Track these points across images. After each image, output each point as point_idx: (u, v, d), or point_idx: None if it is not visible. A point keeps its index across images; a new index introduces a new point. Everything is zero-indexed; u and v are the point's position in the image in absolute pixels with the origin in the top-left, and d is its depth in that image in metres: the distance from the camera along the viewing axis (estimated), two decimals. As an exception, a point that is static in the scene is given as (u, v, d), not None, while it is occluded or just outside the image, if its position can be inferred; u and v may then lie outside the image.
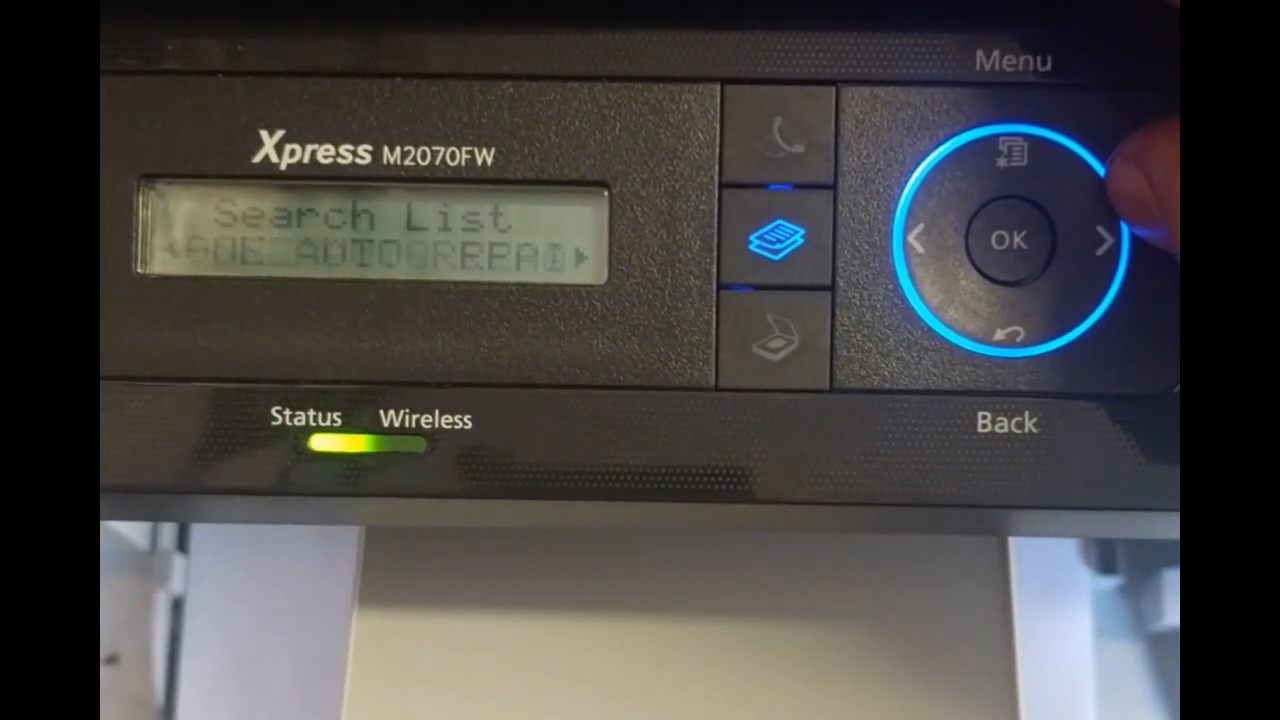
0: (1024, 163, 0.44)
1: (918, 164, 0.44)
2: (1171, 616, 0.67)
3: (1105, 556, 0.70)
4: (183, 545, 0.73)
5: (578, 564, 0.55)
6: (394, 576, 0.56)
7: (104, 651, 0.72)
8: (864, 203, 0.44)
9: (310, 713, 0.70)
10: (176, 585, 0.72)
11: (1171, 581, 0.67)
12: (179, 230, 0.45)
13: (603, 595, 0.55)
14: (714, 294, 0.44)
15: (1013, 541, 0.57)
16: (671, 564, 0.55)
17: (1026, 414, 0.44)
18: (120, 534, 0.70)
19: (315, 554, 0.71)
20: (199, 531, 0.73)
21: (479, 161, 0.44)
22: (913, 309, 0.44)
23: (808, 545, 0.56)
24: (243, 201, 0.45)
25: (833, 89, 0.44)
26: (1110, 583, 0.70)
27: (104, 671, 0.72)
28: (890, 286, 0.44)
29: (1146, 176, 0.42)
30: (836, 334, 0.44)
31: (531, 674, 0.55)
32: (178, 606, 0.72)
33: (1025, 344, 0.44)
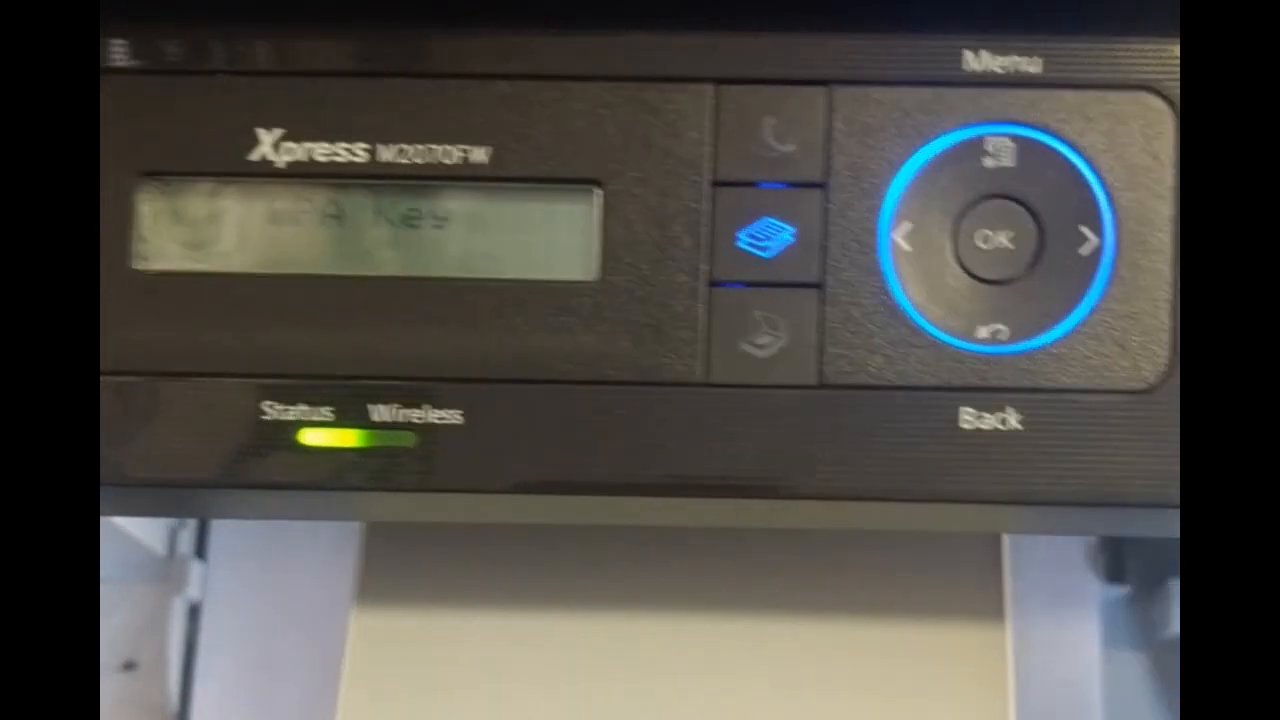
0: (1011, 163, 0.45)
1: (906, 163, 0.45)
2: (1179, 625, 0.66)
3: (1114, 566, 0.69)
4: (200, 552, 0.73)
5: (578, 562, 0.56)
6: (394, 576, 0.56)
7: (121, 658, 0.72)
8: (853, 201, 0.45)
9: None
10: (194, 592, 0.72)
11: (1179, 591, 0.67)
12: (176, 227, 0.45)
13: (602, 594, 0.55)
14: (704, 291, 0.45)
15: (1009, 549, 0.57)
16: (669, 564, 0.56)
17: (1009, 410, 0.44)
18: (138, 541, 0.70)
19: (331, 561, 0.71)
20: (216, 538, 0.73)
21: (474, 160, 0.45)
22: (899, 306, 0.45)
23: (805, 547, 0.56)
24: (240, 199, 0.45)
25: (824, 89, 0.45)
26: (1119, 592, 0.70)
27: (121, 678, 0.72)
28: (877, 284, 0.45)
29: None
30: (824, 331, 0.44)
31: (531, 673, 0.55)
32: (194, 613, 0.73)
33: (1009, 342, 0.44)
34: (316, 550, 0.71)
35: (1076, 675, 0.67)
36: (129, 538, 0.70)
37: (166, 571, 0.72)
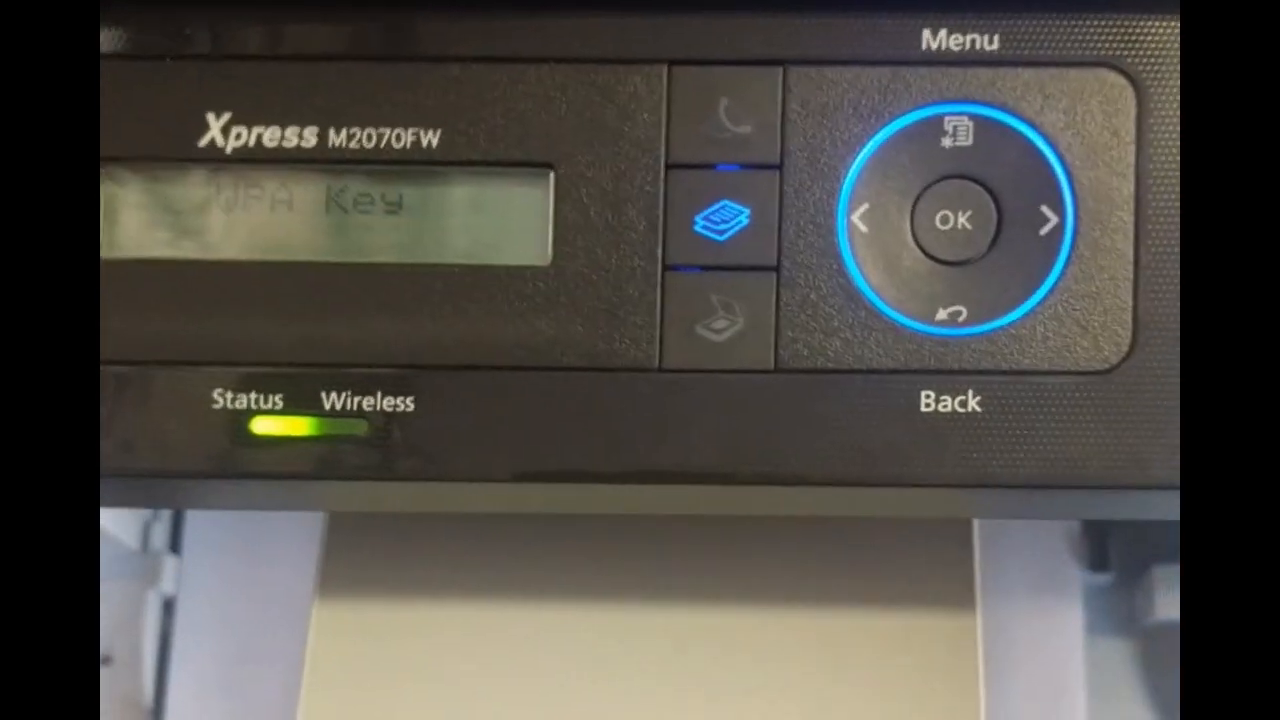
0: (969, 142, 0.44)
1: (863, 144, 0.44)
2: (1162, 612, 0.66)
3: (1096, 553, 0.69)
4: (175, 546, 0.73)
5: (542, 552, 0.55)
6: (356, 567, 0.56)
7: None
8: (809, 183, 0.44)
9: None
10: (168, 586, 0.72)
11: (1163, 577, 0.66)
12: (123, 214, 0.45)
13: (567, 584, 0.55)
14: (659, 275, 0.44)
15: (987, 537, 0.56)
16: (635, 553, 0.55)
17: (970, 392, 0.44)
18: (112, 535, 0.70)
19: (307, 554, 0.71)
20: (191, 532, 0.73)
21: (424, 143, 0.44)
22: (856, 289, 0.44)
23: (774, 535, 0.55)
24: (189, 185, 0.45)
25: (779, 69, 0.44)
26: (1102, 579, 0.69)
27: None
28: (834, 267, 0.44)
29: None
30: (781, 314, 0.44)
31: (497, 664, 0.55)
32: (169, 607, 0.72)
33: (968, 323, 0.44)
34: (292, 543, 0.71)
35: (1059, 663, 0.67)
36: (103, 532, 0.69)
37: (141, 566, 0.72)
